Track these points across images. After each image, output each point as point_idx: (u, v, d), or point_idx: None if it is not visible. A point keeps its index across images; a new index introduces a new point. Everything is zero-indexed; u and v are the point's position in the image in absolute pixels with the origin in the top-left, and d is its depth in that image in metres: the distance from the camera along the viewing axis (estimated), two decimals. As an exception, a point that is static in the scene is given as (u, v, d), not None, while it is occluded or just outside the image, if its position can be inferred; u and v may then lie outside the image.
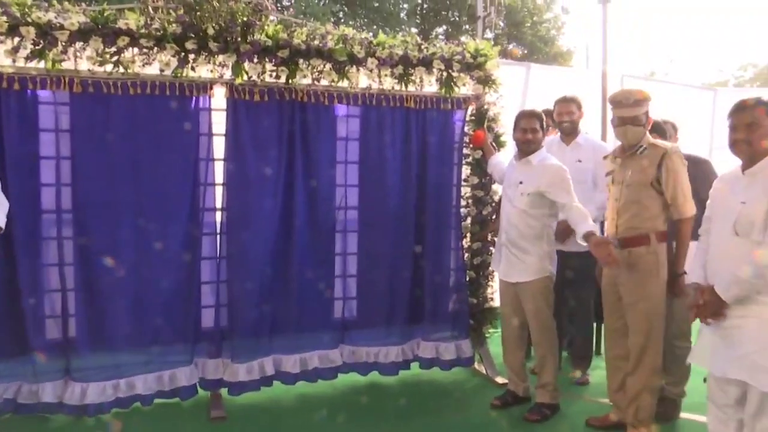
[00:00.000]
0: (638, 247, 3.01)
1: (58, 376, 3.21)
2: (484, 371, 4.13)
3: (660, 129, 3.44)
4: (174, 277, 3.39)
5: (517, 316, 3.54)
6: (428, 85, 3.86)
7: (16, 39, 3.04)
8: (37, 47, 3.08)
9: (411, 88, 3.80)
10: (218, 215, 3.54)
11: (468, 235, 4.09)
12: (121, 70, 3.21)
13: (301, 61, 3.50)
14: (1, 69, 3.05)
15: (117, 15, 3.20)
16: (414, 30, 19.20)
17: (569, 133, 4.05)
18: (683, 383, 3.43)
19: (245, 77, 3.42)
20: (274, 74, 3.48)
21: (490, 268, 4.06)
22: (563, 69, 11.68)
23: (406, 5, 19.80)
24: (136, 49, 3.23)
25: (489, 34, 14.53)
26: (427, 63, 3.77)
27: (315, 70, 3.55)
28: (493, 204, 4.06)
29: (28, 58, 3.08)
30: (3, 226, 2.77)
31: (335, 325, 3.79)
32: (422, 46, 3.80)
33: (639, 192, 3.01)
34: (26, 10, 3.03)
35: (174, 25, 3.24)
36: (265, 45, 3.39)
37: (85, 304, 3.24)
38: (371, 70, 3.65)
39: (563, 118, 3.97)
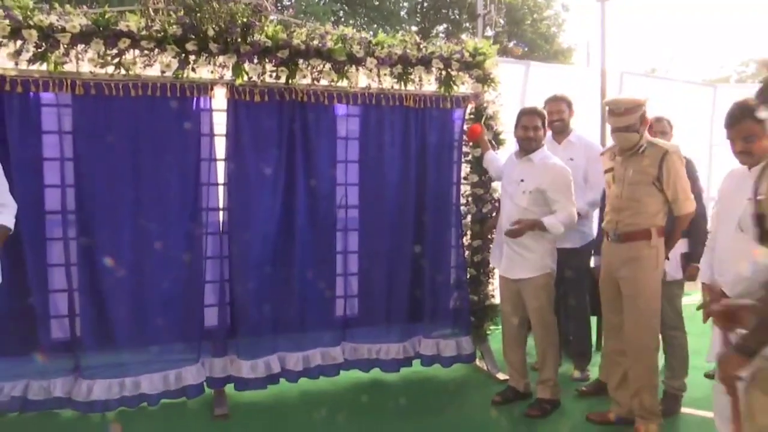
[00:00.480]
0: (639, 242, 3.04)
1: (67, 372, 3.26)
2: (485, 368, 4.16)
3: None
4: (178, 276, 3.43)
5: (518, 312, 3.56)
6: (427, 84, 3.89)
7: (19, 42, 3.08)
8: (39, 50, 3.12)
9: (410, 87, 3.83)
10: (221, 215, 3.57)
11: (468, 232, 4.11)
12: (123, 71, 3.24)
13: (300, 61, 3.52)
14: (4, 72, 3.09)
15: (118, 17, 3.23)
16: (414, 28, 19.20)
17: (560, 131, 4.08)
18: (683, 376, 3.45)
19: (245, 78, 3.44)
20: (274, 74, 3.51)
21: (490, 266, 4.08)
22: (563, 67, 11.68)
23: (406, 4, 19.80)
24: (137, 51, 3.26)
25: (489, 32, 14.52)
26: (426, 62, 3.80)
27: (314, 70, 3.58)
28: (493, 202, 4.08)
29: (30, 61, 3.11)
30: (12, 227, 2.81)
31: (337, 323, 3.83)
32: (421, 46, 3.82)
33: (640, 190, 3.04)
34: (28, 13, 3.07)
35: (174, 26, 3.27)
36: (265, 46, 3.41)
37: (90, 304, 3.28)
38: (370, 70, 3.68)
39: (553, 117, 3.99)
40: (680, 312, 3.46)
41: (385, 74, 3.74)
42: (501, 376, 3.97)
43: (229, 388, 3.57)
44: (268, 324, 3.58)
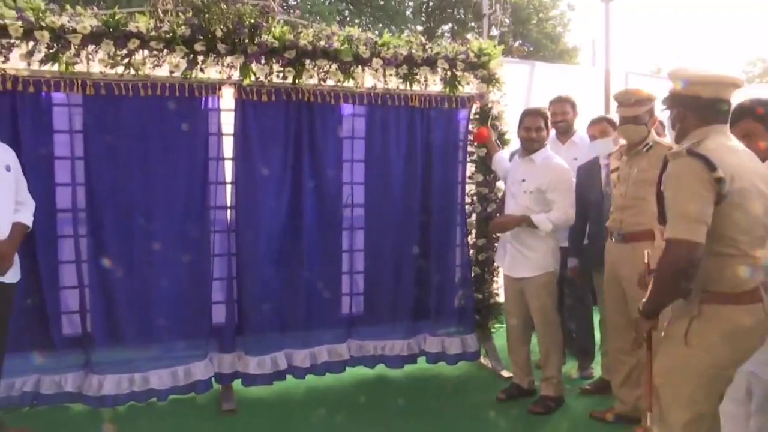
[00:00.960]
0: (642, 242, 3.05)
1: (78, 368, 3.32)
2: (489, 365, 4.19)
3: None
4: (186, 273, 3.48)
5: (522, 310, 3.60)
6: (432, 84, 3.93)
7: (31, 43, 3.13)
8: (50, 51, 3.17)
9: (415, 87, 3.87)
10: (228, 213, 3.62)
11: (473, 231, 4.14)
12: (132, 72, 3.30)
13: (307, 61, 3.57)
14: (17, 72, 3.15)
15: (127, 18, 3.28)
16: (419, 28, 19.24)
17: (564, 132, 4.13)
18: None
19: (253, 78, 3.49)
20: (281, 75, 3.56)
21: (495, 264, 4.12)
22: (567, 67, 11.68)
23: (411, 3, 19.84)
24: (146, 52, 3.32)
25: (495, 32, 14.54)
26: (431, 62, 3.83)
27: (321, 70, 3.62)
28: (498, 201, 4.12)
29: (42, 62, 3.17)
30: (30, 225, 2.87)
31: (343, 321, 3.87)
32: (426, 46, 3.86)
33: (644, 189, 3.03)
34: (40, 14, 3.12)
35: (183, 27, 3.31)
36: (272, 46, 3.46)
37: (100, 301, 3.33)
38: (376, 70, 3.72)
39: (558, 118, 4.03)
40: None
41: (390, 74, 3.78)
42: (505, 373, 4.00)
43: (237, 383, 3.61)
44: (275, 321, 3.62)
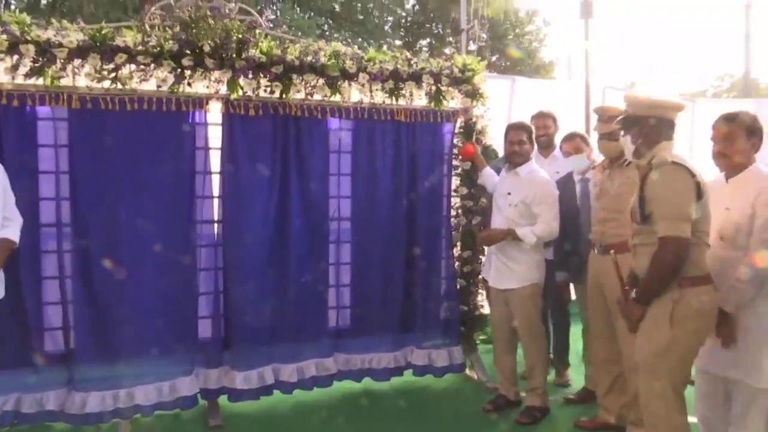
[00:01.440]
0: (623, 254, 3.12)
1: (60, 385, 3.26)
2: (475, 377, 4.22)
3: None
4: (172, 288, 3.45)
5: (507, 322, 3.64)
6: (418, 99, 3.98)
7: (16, 57, 3.10)
8: (36, 64, 3.15)
9: (401, 101, 3.92)
10: (215, 227, 3.61)
11: (458, 244, 4.19)
12: (119, 86, 3.29)
13: (294, 76, 3.59)
14: (1, 86, 3.11)
15: (114, 33, 3.28)
16: (398, 43, 19.42)
17: (546, 146, 4.23)
18: None
19: (240, 92, 3.50)
20: (268, 89, 3.57)
21: (480, 276, 4.17)
22: (548, 82, 11.91)
23: (390, 18, 20.03)
24: (133, 66, 3.31)
25: (472, 47, 14.74)
26: (416, 77, 3.89)
27: (308, 85, 3.65)
28: (482, 214, 4.17)
29: (27, 75, 3.14)
30: (17, 242, 2.83)
31: (330, 334, 3.87)
32: (412, 61, 3.92)
33: (624, 202, 3.11)
34: (26, 28, 3.10)
35: (170, 42, 3.32)
36: (260, 61, 3.48)
37: (85, 316, 3.28)
38: (363, 85, 3.77)
39: (539, 132, 4.12)
40: None
41: (376, 89, 3.83)
42: (491, 384, 4.04)
43: (223, 399, 3.58)
44: (262, 335, 3.60)
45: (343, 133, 3.89)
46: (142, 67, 3.31)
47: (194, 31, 3.37)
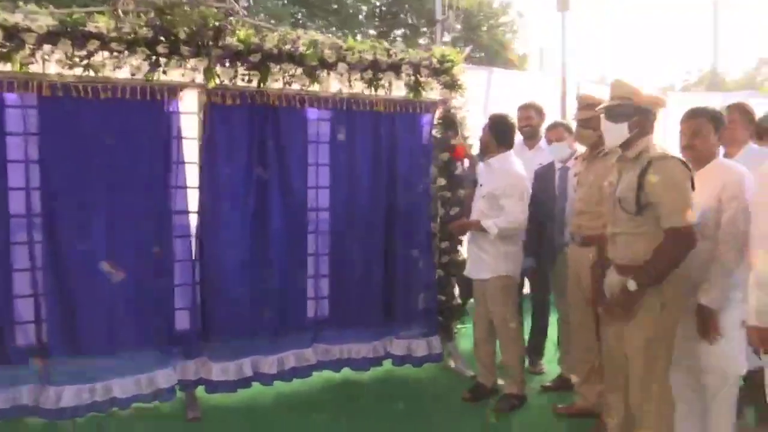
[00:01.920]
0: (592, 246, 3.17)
1: (34, 379, 3.17)
2: (452, 366, 4.25)
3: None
4: (147, 279, 3.39)
5: (486, 311, 3.68)
6: (397, 89, 3.97)
7: (-18, 41, 2.99)
8: (3, 49, 3.03)
9: (380, 92, 3.90)
10: (190, 218, 3.55)
11: (436, 234, 4.20)
12: (92, 73, 3.20)
13: (272, 65, 3.54)
14: (-33, 72, 3.00)
15: (86, 18, 3.18)
16: (372, 32, 19.31)
17: (530, 137, 4.26)
18: None
19: (217, 81, 3.44)
20: (246, 78, 3.52)
21: (457, 267, 4.19)
22: (524, 74, 11.97)
23: (364, 7, 19.89)
24: (106, 53, 3.22)
25: (447, 38, 14.76)
26: (395, 68, 3.87)
27: (286, 74, 3.60)
28: (461, 205, 4.19)
29: (-6, 61, 3.03)
30: None
31: (309, 325, 3.85)
32: (391, 51, 3.90)
33: (599, 193, 3.16)
34: (-8, 12, 2.99)
35: (145, 29, 3.23)
36: (237, 49, 3.42)
37: (57, 309, 3.20)
38: (342, 75, 3.73)
39: (522, 123, 4.16)
40: None
41: (355, 79, 3.80)
42: (469, 373, 4.08)
43: (202, 392, 3.55)
44: (240, 327, 3.57)
45: (321, 123, 3.85)
46: (115, 54, 3.22)
47: (169, 17, 3.29)
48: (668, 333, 2.54)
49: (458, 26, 18.59)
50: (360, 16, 19.82)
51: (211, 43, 3.36)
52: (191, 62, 3.37)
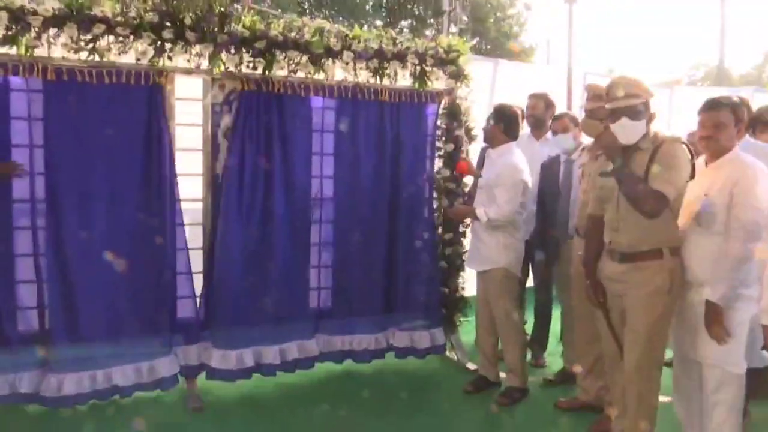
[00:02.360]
0: None
1: (35, 367, 3.17)
2: (455, 358, 4.25)
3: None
4: (150, 266, 3.38)
5: (487, 303, 3.68)
6: (402, 79, 3.94)
7: (-13, 24, 2.98)
8: (9, 33, 3.02)
9: (385, 81, 3.87)
10: (193, 205, 3.54)
11: (440, 226, 4.19)
12: (97, 57, 3.18)
13: (278, 52, 3.52)
14: (-29, 55, 2.99)
15: (91, 2, 3.16)
16: (379, 23, 19.21)
17: (536, 127, 4.23)
18: None
19: (222, 68, 3.42)
20: (251, 65, 3.50)
21: (461, 258, 4.18)
22: (530, 65, 11.93)
23: (371, -2, 19.78)
24: (111, 37, 3.20)
25: (453, 29, 14.67)
26: (401, 57, 3.85)
27: (291, 62, 3.58)
28: (464, 196, 4.17)
29: (-1, 44, 3.02)
30: None
31: (312, 315, 3.84)
32: (396, 41, 3.87)
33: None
34: (-3, -6, 2.97)
35: (151, 13, 3.22)
36: (243, 36, 3.40)
37: (59, 295, 3.20)
38: (347, 63, 3.71)
39: (528, 112, 4.14)
40: None
41: (361, 68, 3.78)
42: (471, 365, 4.07)
43: (203, 382, 3.54)
44: (244, 316, 3.55)
45: (326, 111, 3.83)
46: (120, 38, 3.21)
47: (175, 2, 3.28)
48: (668, 318, 2.66)
49: (465, 18, 18.45)
50: (367, 7, 19.71)
51: (216, 29, 3.34)
52: (197, 48, 3.35)
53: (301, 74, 3.64)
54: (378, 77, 3.84)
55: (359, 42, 3.71)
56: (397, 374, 4.00)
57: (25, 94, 3.14)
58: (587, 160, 3.32)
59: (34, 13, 3.01)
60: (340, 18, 17.04)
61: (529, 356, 4.11)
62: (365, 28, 3.89)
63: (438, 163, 4.16)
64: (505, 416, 3.41)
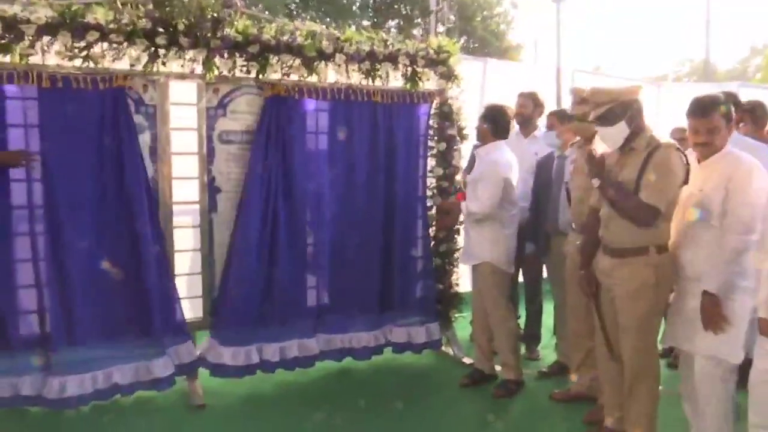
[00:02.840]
0: None
1: (36, 370, 3.19)
2: (450, 353, 4.32)
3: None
4: (147, 269, 3.40)
5: (480, 297, 3.76)
6: (394, 80, 3.99)
7: (-19, 33, 3.00)
8: (2, 41, 3.04)
9: (377, 83, 3.92)
10: (190, 208, 3.58)
11: (433, 223, 4.25)
12: (91, 64, 3.21)
13: (271, 56, 3.57)
14: (-34, 63, 3.01)
15: (85, 9, 3.19)
16: (366, 23, 19.24)
17: (522, 125, 4.31)
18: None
19: (216, 72, 3.46)
20: (244, 69, 3.54)
21: (454, 255, 4.24)
22: (519, 64, 11.99)
23: (358, -2, 19.82)
24: (105, 44, 3.23)
25: (441, 28, 14.68)
26: (392, 59, 3.90)
27: (284, 65, 3.63)
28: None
29: (-7, 52, 3.04)
30: None
31: (311, 315, 3.88)
32: (388, 42, 3.92)
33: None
34: (-10, 3, 3.00)
35: (144, 20, 3.25)
36: (236, 40, 3.44)
37: (59, 299, 3.22)
38: (339, 65, 3.76)
39: (516, 111, 4.20)
40: None
41: (353, 70, 3.82)
42: (467, 360, 4.14)
43: (206, 379, 3.59)
44: (245, 315, 3.60)
45: (319, 113, 3.87)
46: (114, 45, 3.24)
47: (168, 8, 3.31)
48: (657, 312, 2.76)
49: (452, 17, 18.51)
50: (354, 7, 19.75)
51: (209, 34, 3.38)
52: (190, 53, 3.39)
53: (294, 77, 3.69)
54: (370, 79, 3.89)
55: (351, 44, 3.75)
56: (394, 369, 4.06)
57: (21, 101, 3.16)
58: (578, 155, 3.39)
59: (28, 21, 3.03)
60: (327, 18, 17.05)
61: (523, 349, 4.19)
62: (353, 28, 3.93)
63: (431, 162, 4.22)
64: (501, 408, 3.48)
